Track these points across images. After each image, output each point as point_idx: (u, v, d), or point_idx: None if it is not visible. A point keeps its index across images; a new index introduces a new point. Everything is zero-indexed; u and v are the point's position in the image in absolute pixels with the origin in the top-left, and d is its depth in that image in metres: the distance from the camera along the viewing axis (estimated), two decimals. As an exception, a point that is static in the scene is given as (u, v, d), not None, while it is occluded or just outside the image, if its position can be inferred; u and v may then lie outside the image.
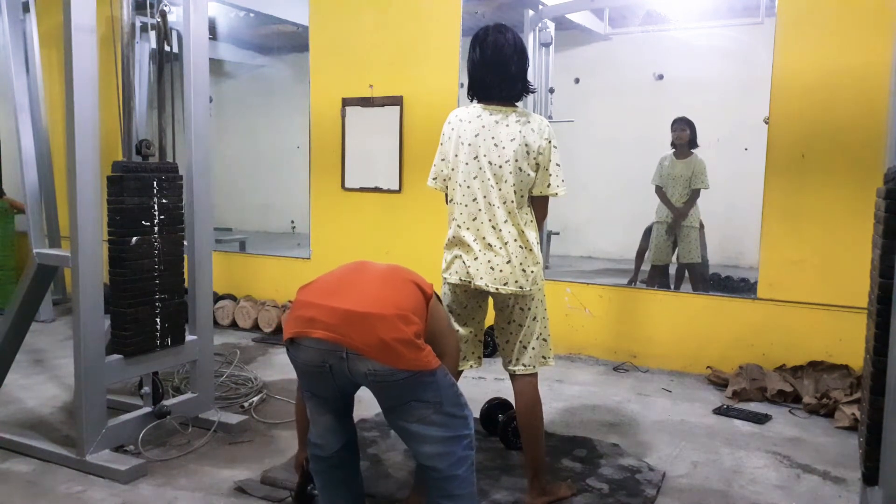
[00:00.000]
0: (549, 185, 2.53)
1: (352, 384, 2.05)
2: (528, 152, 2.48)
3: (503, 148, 2.50)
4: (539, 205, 2.58)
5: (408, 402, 2.01)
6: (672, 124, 5.35)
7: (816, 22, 4.01)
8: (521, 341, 2.59)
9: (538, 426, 2.64)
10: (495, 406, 3.37)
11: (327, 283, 2.10)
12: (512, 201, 2.49)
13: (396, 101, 5.15)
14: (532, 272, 2.52)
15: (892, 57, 3.70)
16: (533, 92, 2.63)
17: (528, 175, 2.50)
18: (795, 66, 4.06)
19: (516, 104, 2.57)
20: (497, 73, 2.50)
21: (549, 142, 2.50)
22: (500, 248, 2.50)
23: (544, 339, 2.63)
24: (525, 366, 2.60)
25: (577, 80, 6.52)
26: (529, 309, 2.57)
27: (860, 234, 3.68)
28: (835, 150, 4.00)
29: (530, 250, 2.51)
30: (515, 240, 2.50)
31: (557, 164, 2.53)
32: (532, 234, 2.53)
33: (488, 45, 2.51)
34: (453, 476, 2.08)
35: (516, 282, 2.50)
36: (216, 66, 7.57)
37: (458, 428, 2.09)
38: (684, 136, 5.27)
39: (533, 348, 2.59)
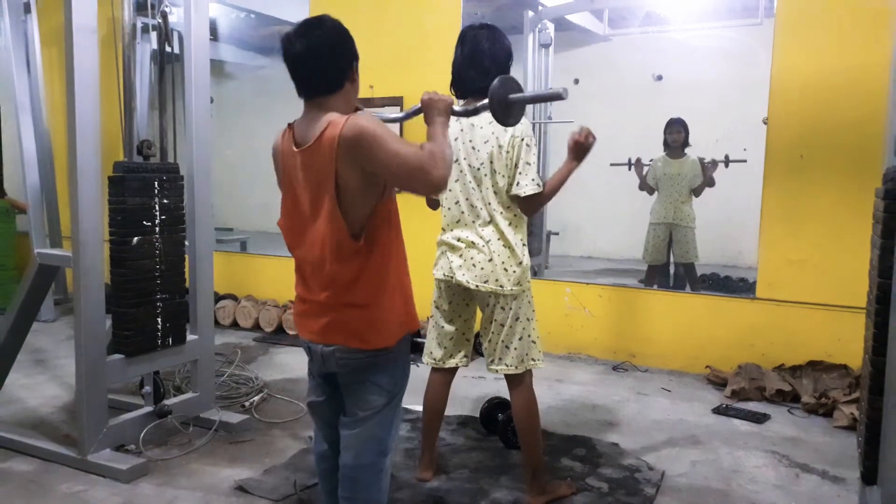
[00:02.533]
0: (518, 184, 2.48)
1: (322, 371, 2.03)
2: (501, 153, 2.48)
3: (478, 151, 2.51)
4: (520, 205, 2.53)
5: (364, 382, 1.95)
6: (667, 126, 5.38)
7: (815, 23, 4.02)
8: (502, 341, 2.59)
9: (534, 425, 2.65)
10: (495, 406, 3.37)
11: (298, 271, 2.06)
12: (490, 203, 2.51)
13: (396, 101, 5.16)
14: (514, 272, 2.52)
15: (890, 57, 3.71)
16: None
17: (504, 176, 2.50)
18: (794, 66, 4.07)
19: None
20: (472, 68, 2.49)
21: (522, 140, 2.47)
22: (483, 245, 2.52)
23: (533, 341, 2.62)
24: (507, 365, 2.59)
25: (576, 81, 6.54)
26: (511, 309, 2.56)
27: (859, 234, 3.68)
28: (834, 151, 4.01)
29: (513, 250, 2.52)
30: (499, 239, 2.51)
31: (528, 164, 2.46)
32: (515, 235, 2.53)
33: (467, 41, 2.53)
34: (365, 480, 1.99)
35: (496, 280, 2.51)
36: (217, 66, 7.58)
37: (385, 428, 1.99)
38: (680, 139, 5.33)
39: (515, 348, 2.58)
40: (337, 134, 1.77)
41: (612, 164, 5.74)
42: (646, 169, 5.51)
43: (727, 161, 5.38)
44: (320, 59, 1.84)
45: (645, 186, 5.52)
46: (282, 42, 1.90)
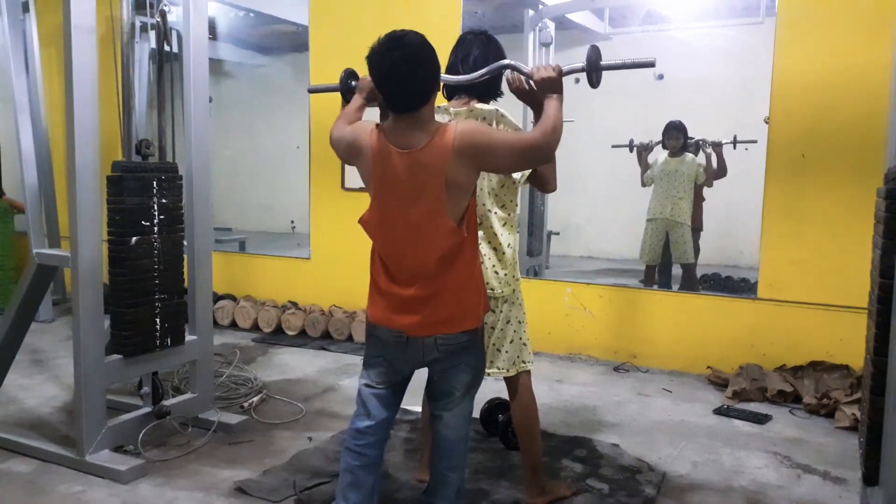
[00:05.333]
0: (510, 175, 2.46)
1: (420, 361, 2.15)
2: None
3: None
4: (534, 186, 2.53)
5: (459, 364, 2.14)
6: (665, 131, 5.39)
7: (816, 22, 4.01)
8: (493, 344, 2.57)
9: (533, 426, 2.64)
10: (495, 406, 3.36)
11: (390, 267, 2.14)
12: (483, 203, 2.48)
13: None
14: (504, 275, 2.50)
15: (892, 57, 3.70)
16: (499, 96, 2.57)
17: (490, 176, 2.47)
18: (795, 65, 4.05)
19: (478, 103, 2.50)
20: (464, 69, 2.47)
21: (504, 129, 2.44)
22: None
23: (524, 343, 2.61)
24: (499, 368, 2.58)
25: (577, 80, 6.49)
26: (502, 312, 2.55)
27: (860, 234, 3.68)
28: (835, 150, 3.99)
29: (503, 253, 2.49)
30: (489, 242, 2.49)
31: None
32: (508, 236, 2.50)
33: (461, 45, 2.52)
34: (461, 450, 2.27)
35: (487, 283, 2.48)
36: (216, 65, 7.56)
37: (472, 401, 2.26)
38: (678, 144, 5.40)
39: (507, 351, 2.57)
40: (451, 139, 1.96)
41: (613, 146, 5.78)
42: (651, 158, 5.53)
43: (735, 142, 5.36)
44: (407, 78, 1.95)
45: (642, 163, 5.55)
46: (369, 59, 1.99)
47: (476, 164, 2.01)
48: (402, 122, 2.01)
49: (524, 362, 2.61)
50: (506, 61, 2.32)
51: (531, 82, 2.23)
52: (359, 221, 2.14)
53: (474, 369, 2.20)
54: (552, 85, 2.15)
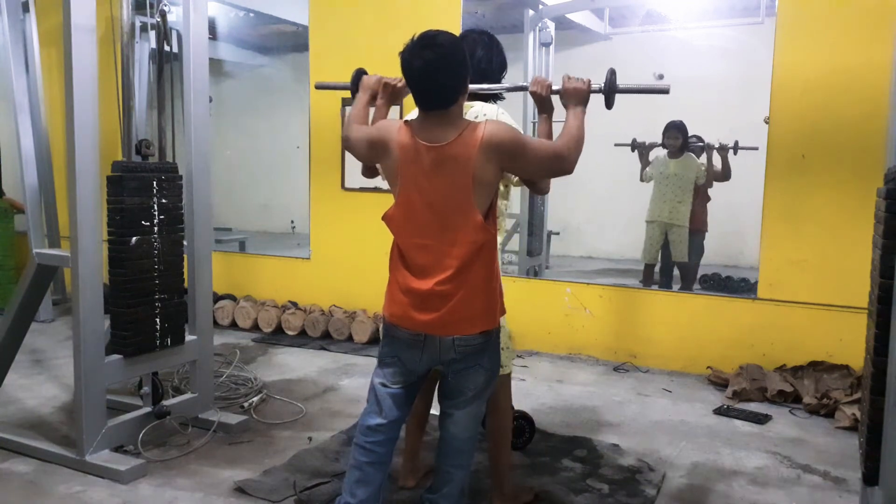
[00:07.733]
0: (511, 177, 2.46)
1: (437, 361, 2.15)
2: None
3: None
4: (527, 184, 2.50)
5: (475, 365, 2.15)
6: (665, 131, 5.40)
7: (817, 22, 4.01)
8: None
9: (508, 431, 2.63)
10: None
11: (411, 269, 2.14)
12: None
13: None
14: None
15: (892, 57, 3.70)
16: (501, 100, 2.57)
17: None
18: (796, 65, 4.06)
19: (480, 102, 2.50)
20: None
21: None
22: None
23: (502, 348, 2.52)
24: None
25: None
26: None
27: (860, 234, 3.68)
28: (835, 150, 4.00)
29: None
30: None
31: None
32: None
33: (465, 45, 2.51)
34: (468, 449, 2.27)
35: None
36: (216, 65, 7.57)
37: (484, 402, 2.26)
38: (677, 144, 5.41)
39: None
40: (480, 137, 2.00)
41: (616, 144, 5.78)
42: (652, 156, 5.53)
43: (736, 148, 5.36)
44: (438, 77, 2.00)
45: (643, 161, 5.58)
46: (401, 56, 2.05)
47: (501, 165, 2.05)
48: (431, 118, 2.05)
49: (502, 366, 2.57)
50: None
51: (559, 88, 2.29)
52: (382, 218, 2.16)
53: (489, 371, 2.20)
54: (580, 95, 2.23)
